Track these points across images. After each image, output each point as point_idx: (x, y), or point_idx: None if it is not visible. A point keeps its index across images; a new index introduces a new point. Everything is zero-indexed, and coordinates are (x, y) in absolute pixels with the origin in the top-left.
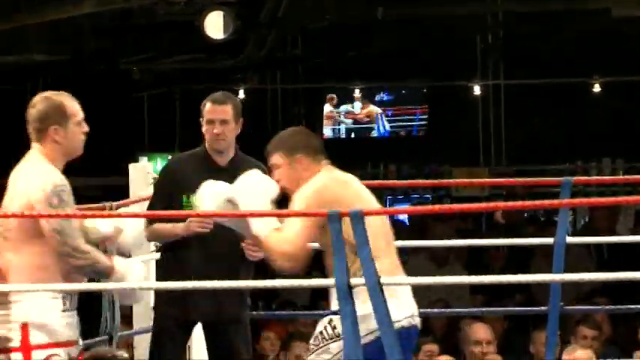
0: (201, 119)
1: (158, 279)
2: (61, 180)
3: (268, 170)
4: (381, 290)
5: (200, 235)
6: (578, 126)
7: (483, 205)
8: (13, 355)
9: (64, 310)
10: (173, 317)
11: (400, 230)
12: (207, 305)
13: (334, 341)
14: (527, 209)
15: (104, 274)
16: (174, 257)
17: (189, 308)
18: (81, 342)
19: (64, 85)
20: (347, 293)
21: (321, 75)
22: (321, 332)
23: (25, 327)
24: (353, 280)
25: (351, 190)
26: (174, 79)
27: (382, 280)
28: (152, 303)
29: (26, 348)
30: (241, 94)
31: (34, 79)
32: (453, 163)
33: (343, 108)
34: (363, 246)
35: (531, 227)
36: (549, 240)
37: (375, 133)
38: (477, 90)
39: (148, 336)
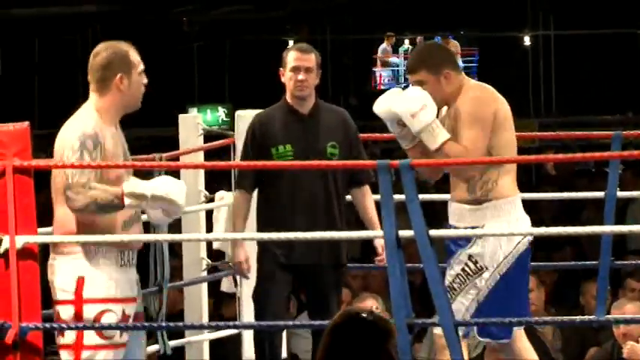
0: (281, 69)
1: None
2: (94, 129)
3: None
4: (431, 242)
5: (295, 184)
6: (628, 76)
7: (533, 156)
8: (65, 307)
9: (120, 265)
10: (276, 258)
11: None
12: (308, 249)
13: (479, 275)
14: (577, 161)
15: (116, 206)
16: (269, 203)
17: (291, 251)
18: (140, 299)
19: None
20: (395, 247)
21: (371, 25)
22: (463, 269)
23: (80, 280)
24: (401, 232)
25: (504, 105)
26: (224, 30)
27: (431, 233)
28: (202, 253)
29: (79, 302)
30: (291, 45)
31: (84, 30)
32: None
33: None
34: (413, 200)
35: (583, 178)
36: (600, 194)
37: None
38: (527, 41)
39: (198, 287)
